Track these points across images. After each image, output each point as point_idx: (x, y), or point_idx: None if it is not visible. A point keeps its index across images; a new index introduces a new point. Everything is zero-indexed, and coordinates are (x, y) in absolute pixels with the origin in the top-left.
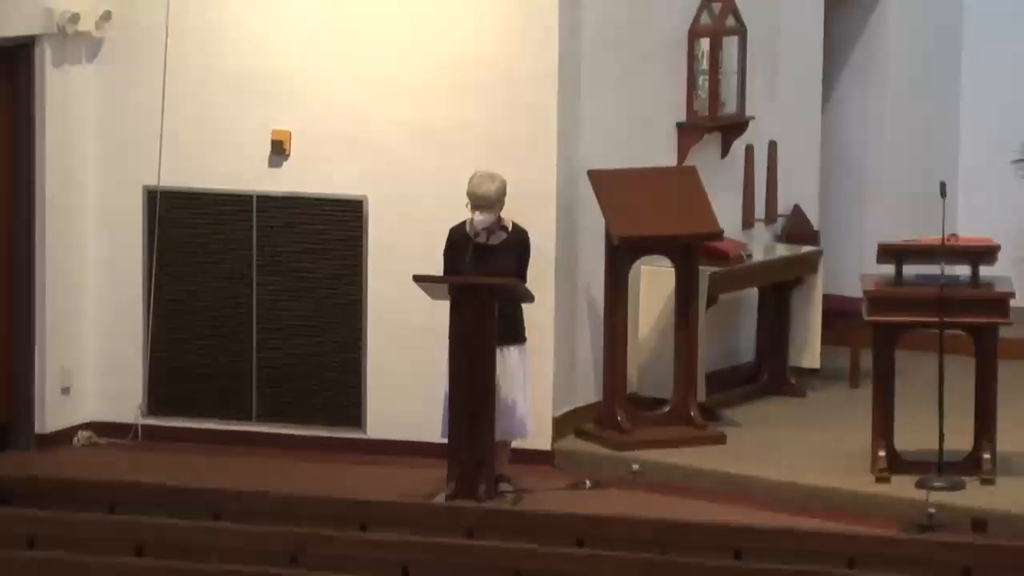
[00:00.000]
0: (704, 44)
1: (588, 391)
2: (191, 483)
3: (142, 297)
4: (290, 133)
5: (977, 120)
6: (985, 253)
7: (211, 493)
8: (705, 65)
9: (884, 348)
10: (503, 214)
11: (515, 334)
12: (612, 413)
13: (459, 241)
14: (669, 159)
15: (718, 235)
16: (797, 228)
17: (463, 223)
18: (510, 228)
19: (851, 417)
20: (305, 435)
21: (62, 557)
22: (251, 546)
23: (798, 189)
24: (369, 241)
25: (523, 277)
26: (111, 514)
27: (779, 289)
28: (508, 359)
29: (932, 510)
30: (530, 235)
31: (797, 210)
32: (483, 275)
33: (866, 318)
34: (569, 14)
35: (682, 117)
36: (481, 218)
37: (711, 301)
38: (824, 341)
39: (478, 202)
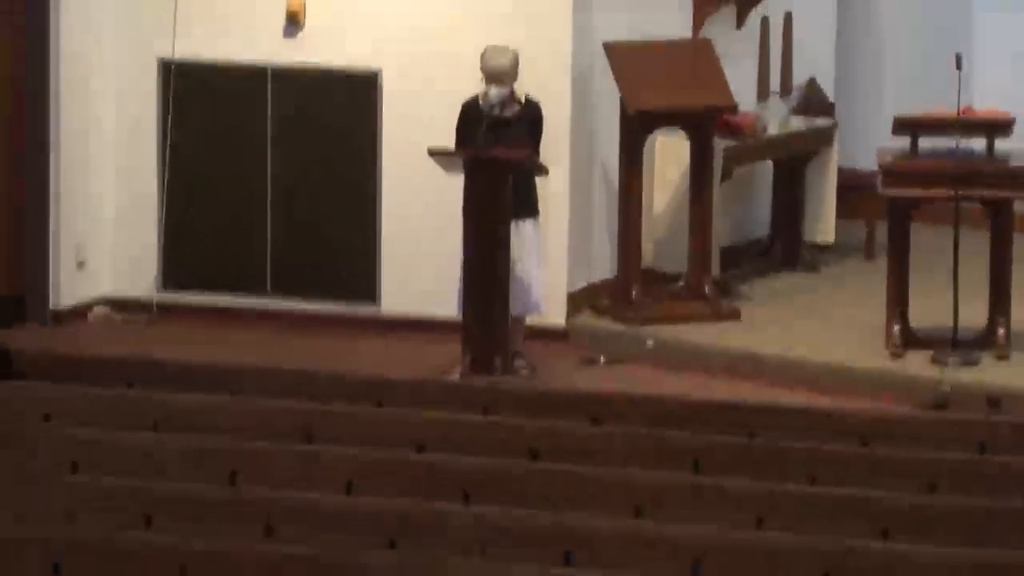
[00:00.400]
0: None
1: (603, 266)
2: (206, 359)
3: (156, 171)
4: (305, 4)
5: None
6: (1000, 125)
7: (225, 369)
8: None
9: (899, 222)
10: (516, 87)
11: (529, 207)
12: (626, 288)
13: (472, 115)
14: (684, 31)
15: (733, 108)
16: (812, 101)
17: (475, 97)
18: (523, 101)
19: (865, 292)
20: (319, 310)
21: (77, 432)
22: (265, 422)
23: (814, 61)
24: (383, 114)
25: (536, 150)
26: (126, 389)
27: (794, 162)
28: (523, 232)
29: (946, 387)
30: (544, 108)
31: (812, 82)
32: (497, 148)
33: (881, 191)
34: None
35: None
36: (496, 91)
37: (726, 175)
38: (839, 215)
39: (492, 75)
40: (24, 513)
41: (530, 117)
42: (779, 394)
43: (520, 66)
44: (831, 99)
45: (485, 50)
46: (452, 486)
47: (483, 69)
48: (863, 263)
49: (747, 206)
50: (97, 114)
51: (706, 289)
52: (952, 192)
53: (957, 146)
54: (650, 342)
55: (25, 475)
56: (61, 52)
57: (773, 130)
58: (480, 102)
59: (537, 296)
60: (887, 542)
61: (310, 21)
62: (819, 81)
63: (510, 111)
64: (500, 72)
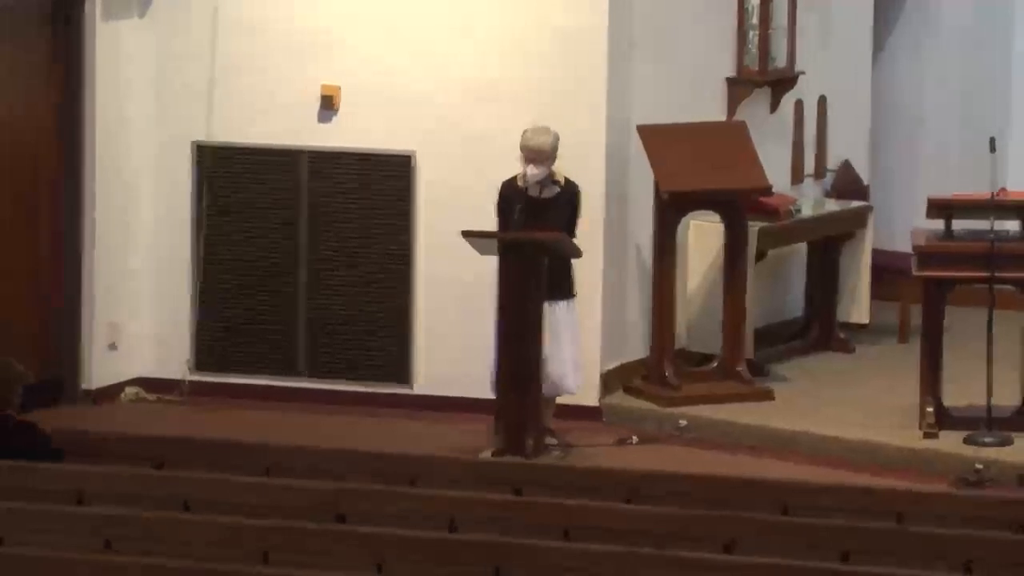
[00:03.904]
0: None
1: (636, 347)
2: (239, 439)
3: (190, 252)
4: (340, 88)
5: None
6: None
7: (259, 449)
8: (756, 19)
9: (933, 303)
10: (554, 168)
11: (563, 289)
12: (660, 369)
13: (510, 196)
14: (718, 114)
15: (767, 190)
16: (847, 183)
17: (514, 178)
18: (562, 183)
19: (900, 373)
20: (353, 391)
21: (110, 512)
22: (298, 502)
23: (848, 144)
24: (418, 196)
25: (573, 232)
26: (159, 470)
27: (828, 244)
28: (556, 314)
29: (980, 466)
30: (580, 191)
31: (847, 165)
32: (534, 229)
33: (915, 273)
34: None
35: (732, 72)
36: (536, 171)
37: (760, 256)
38: (873, 296)
39: (532, 155)
40: None
41: (568, 198)
42: (812, 472)
43: (559, 147)
44: (865, 181)
45: (526, 130)
46: (484, 566)
47: (523, 148)
48: (897, 344)
49: (781, 287)
50: (131, 196)
51: (739, 369)
52: (986, 274)
53: (992, 228)
54: (683, 422)
55: (57, 555)
56: (96, 135)
57: (807, 212)
58: (519, 182)
59: (570, 378)
60: None
61: (344, 104)
62: (853, 164)
63: (549, 192)
64: (540, 152)
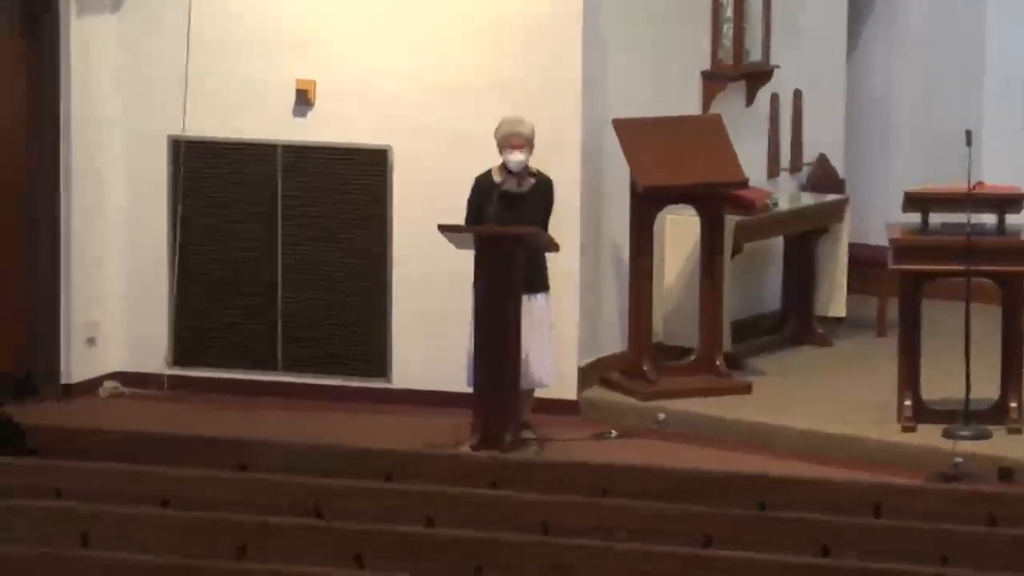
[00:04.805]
0: None
1: (613, 341)
2: (216, 434)
3: (167, 247)
4: (315, 82)
5: (1003, 66)
6: (1011, 201)
7: (236, 444)
8: (730, 13)
9: (910, 297)
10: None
11: (540, 281)
12: (637, 362)
13: (485, 189)
14: (694, 108)
15: (743, 184)
16: (822, 177)
17: (489, 172)
18: (536, 175)
19: (877, 366)
20: (330, 385)
21: (87, 508)
22: (276, 498)
23: (823, 138)
24: (394, 190)
25: (546, 225)
26: (136, 465)
27: (805, 238)
28: (534, 307)
29: (958, 459)
30: (555, 184)
31: (822, 159)
32: (510, 222)
33: (892, 267)
34: None
35: (707, 65)
36: (520, 157)
37: (736, 250)
38: (850, 290)
39: (516, 141)
40: None
41: (542, 192)
42: (790, 467)
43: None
44: (841, 175)
45: (503, 120)
46: (463, 560)
47: (502, 135)
48: (875, 338)
49: (758, 281)
50: (107, 191)
51: (717, 363)
52: (963, 267)
53: (968, 220)
54: (661, 416)
55: (37, 550)
56: (72, 130)
57: (783, 206)
58: (496, 176)
59: (547, 370)
60: None
61: (320, 99)
62: (829, 157)
63: (525, 185)
64: (521, 136)
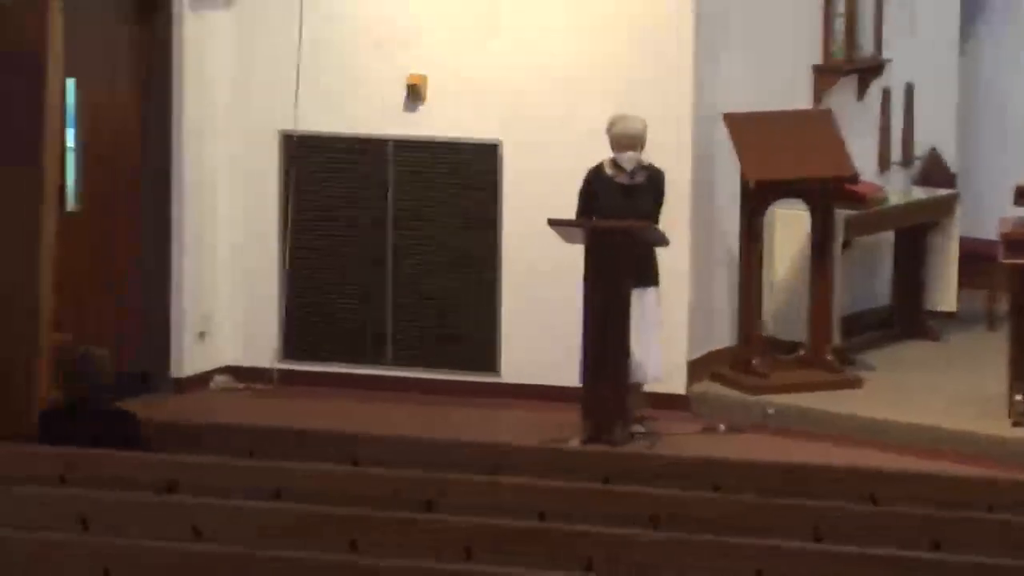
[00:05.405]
0: None
1: (723, 335)
2: (327, 428)
3: (277, 242)
4: (426, 77)
5: None
6: None
7: (347, 438)
8: (842, 8)
9: (1021, 291)
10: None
11: (650, 276)
12: (747, 357)
13: (596, 183)
14: (805, 102)
15: (854, 178)
16: (934, 171)
17: (600, 165)
18: (648, 169)
19: (988, 361)
20: (440, 379)
21: (200, 502)
22: (387, 491)
23: (935, 131)
24: (504, 185)
25: (656, 218)
26: (249, 459)
27: (915, 232)
28: (645, 301)
29: None
30: (665, 177)
31: (934, 153)
32: (622, 216)
33: (1002, 261)
34: None
35: (818, 59)
36: (633, 155)
37: (846, 244)
38: (961, 284)
39: (629, 141)
40: None
41: (654, 184)
42: (901, 461)
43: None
44: (953, 169)
45: (615, 118)
46: (573, 555)
47: (614, 134)
48: (985, 332)
49: (868, 275)
50: (218, 185)
51: (827, 357)
52: None
53: None
54: (771, 410)
55: (148, 543)
56: (184, 126)
57: (894, 200)
58: (607, 170)
59: (657, 364)
60: None
61: (431, 94)
62: (940, 151)
63: (637, 178)
64: (637, 138)
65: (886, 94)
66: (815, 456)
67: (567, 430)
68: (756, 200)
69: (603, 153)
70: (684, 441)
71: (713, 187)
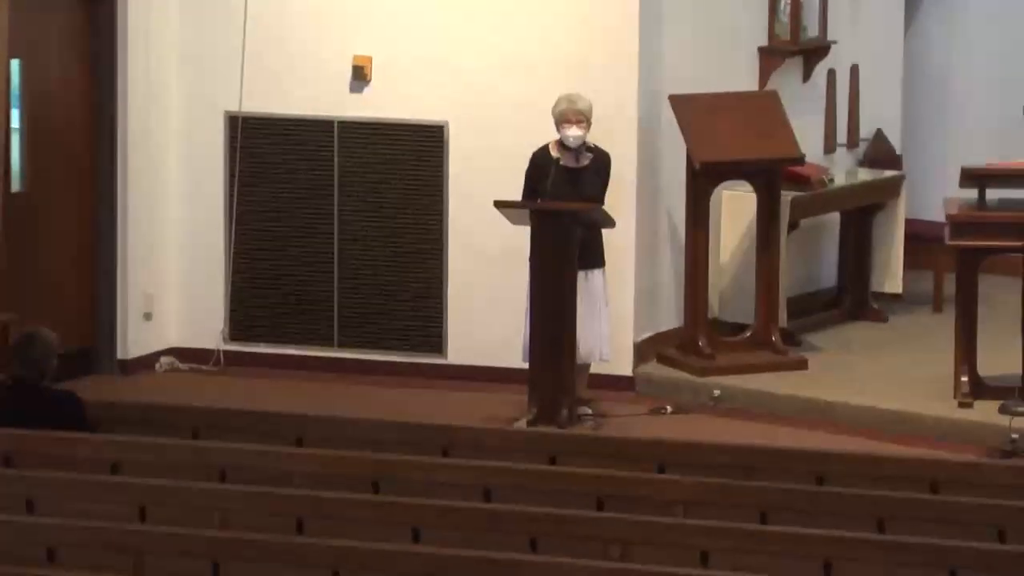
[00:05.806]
0: None
1: (669, 316)
2: (273, 409)
3: (223, 222)
4: (371, 58)
5: None
6: None
7: (293, 419)
8: None
9: (967, 273)
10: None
11: (596, 257)
12: (693, 338)
13: (542, 165)
14: (750, 84)
15: (800, 160)
16: (879, 152)
17: (546, 146)
18: (594, 150)
19: (934, 342)
20: (386, 360)
21: (145, 483)
22: (333, 472)
23: (880, 113)
24: (450, 166)
25: (602, 199)
26: (194, 440)
27: (861, 214)
28: (591, 283)
29: (1015, 435)
30: (611, 160)
31: (879, 134)
32: (567, 197)
33: (949, 242)
34: None
35: (763, 41)
36: (577, 133)
37: (792, 226)
38: (907, 266)
39: (577, 117)
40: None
41: (600, 166)
42: (846, 442)
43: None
44: (898, 151)
45: (560, 96)
46: (519, 534)
47: (559, 112)
48: (931, 314)
49: (814, 257)
50: (164, 166)
51: (773, 339)
52: (1020, 243)
53: None
54: (717, 392)
55: (90, 524)
56: (128, 106)
57: (840, 181)
58: (553, 152)
59: (603, 345)
60: None
61: (376, 75)
62: (886, 133)
63: (583, 160)
64: (583, 113)
65: (831, 76)
66: (761, 437)
67: (514, 411)
68: (702, 182)
69: (550, 134)
70: (631, 423)
71: (659, 168)
